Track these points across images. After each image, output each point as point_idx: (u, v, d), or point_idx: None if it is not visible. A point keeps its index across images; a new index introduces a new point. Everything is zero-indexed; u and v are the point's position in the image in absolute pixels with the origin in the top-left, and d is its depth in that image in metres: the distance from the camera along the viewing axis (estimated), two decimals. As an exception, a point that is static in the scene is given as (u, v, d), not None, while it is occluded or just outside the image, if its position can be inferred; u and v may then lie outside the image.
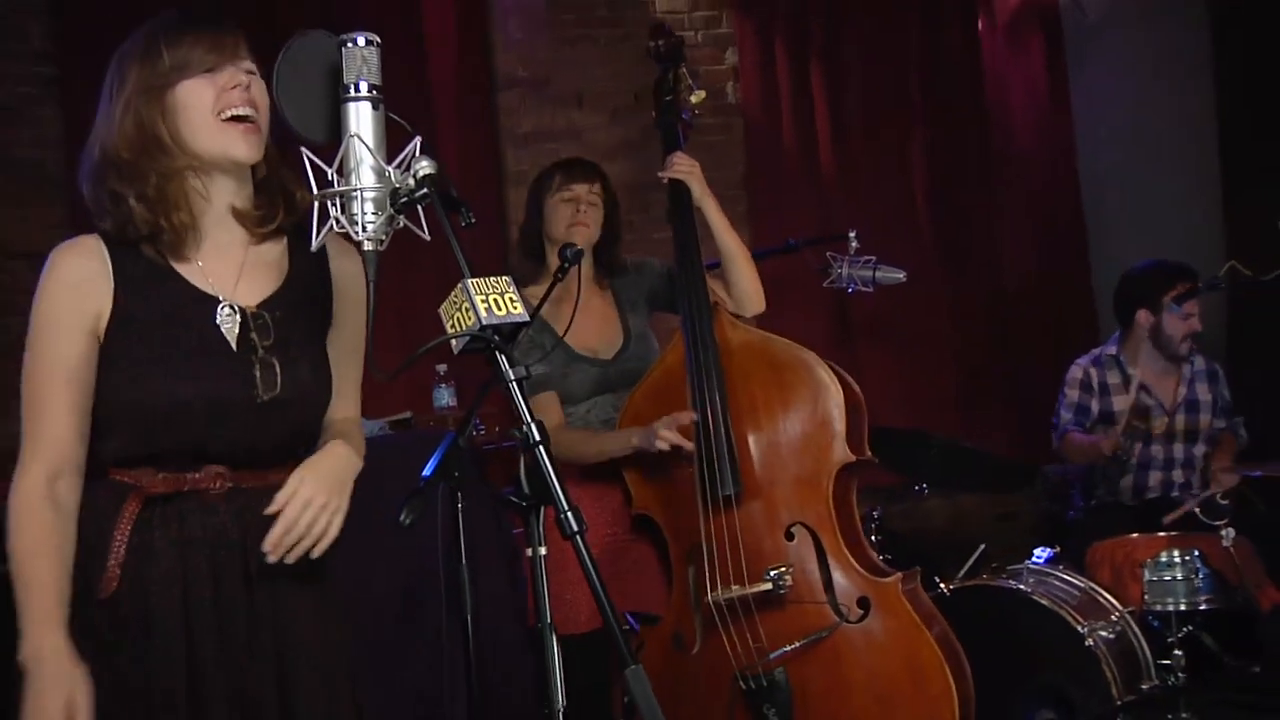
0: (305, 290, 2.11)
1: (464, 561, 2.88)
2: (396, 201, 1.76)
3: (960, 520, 5.53)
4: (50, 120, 4.77)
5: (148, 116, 1.95)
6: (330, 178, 1.80)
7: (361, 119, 1.80)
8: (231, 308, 2.00)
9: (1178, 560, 4.02)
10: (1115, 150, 5.92)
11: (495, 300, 1.68)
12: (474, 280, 1.68)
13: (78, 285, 1.93)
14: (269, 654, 1.96)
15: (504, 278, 1.73)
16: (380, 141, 1.81)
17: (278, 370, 1.99)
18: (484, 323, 1.65)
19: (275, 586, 1.97)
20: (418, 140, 1.83)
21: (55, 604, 1.86)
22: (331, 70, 1.89)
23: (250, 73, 2.00)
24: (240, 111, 1.96)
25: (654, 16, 5.53)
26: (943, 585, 3.71)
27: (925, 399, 5.53)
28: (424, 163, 1.77)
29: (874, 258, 4.30)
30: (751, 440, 3.12)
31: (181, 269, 2.00)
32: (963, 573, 3.99)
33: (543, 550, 1.72)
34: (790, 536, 3.05)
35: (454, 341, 1.70)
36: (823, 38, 5.63)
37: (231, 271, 2.03)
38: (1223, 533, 3.87)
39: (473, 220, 1.82)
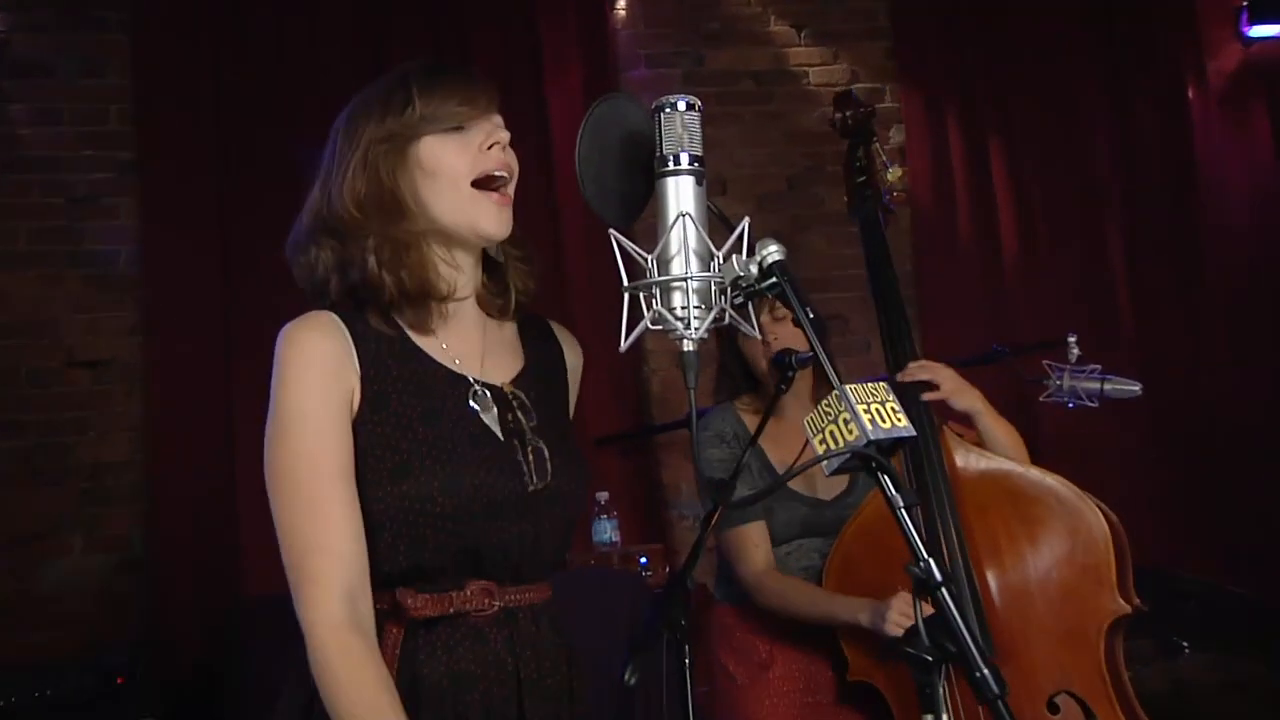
0: (548, 377, 2.08)
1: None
2: (741, 292, 1.68)
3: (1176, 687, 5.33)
4: (126, 210, 4.86)
5: (386, 169, 1.91)
6: (649, 265, 1.73)
7: (683, 196, 1.72)
8: (484, 389, 1.96)
9: None
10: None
11: (877, 410, 1.59)
12: (852, 386, 1.60)
13: (331, 368, 1.86)
14: None
15: (880, 384, 1.63)
16: (704, 222, 1.75)
17: (546, 455, 1.95)
18: (870, 437, 1.56)
19: None
20: (747, 221, 1.75)
21: None
22: (628, 139, 1.84)
23: (503, 129, 1.97)
24: (497, 172, 1.94)
25: (807, 89, 5.58)
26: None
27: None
28: (772, 247, 1.70)
29: (1098, 367, 4.18)
30: (996, 589, 2.95)
31: (424, 345, 1.95)
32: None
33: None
34: (1055, 709, 2.87)
35: (827, 461, 1.61)
36: (1002, 112, 5.66)
37: (474, 349, 2.00)
38: None
39: (812, 315, 1.74)
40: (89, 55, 4.89)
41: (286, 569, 1.80)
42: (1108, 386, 4.19)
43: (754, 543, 3.13)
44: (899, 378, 3.08)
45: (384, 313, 1.92)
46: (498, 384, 1.98)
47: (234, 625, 4.20)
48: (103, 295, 4.83)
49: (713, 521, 2.94)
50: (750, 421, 3.23)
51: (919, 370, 3.07)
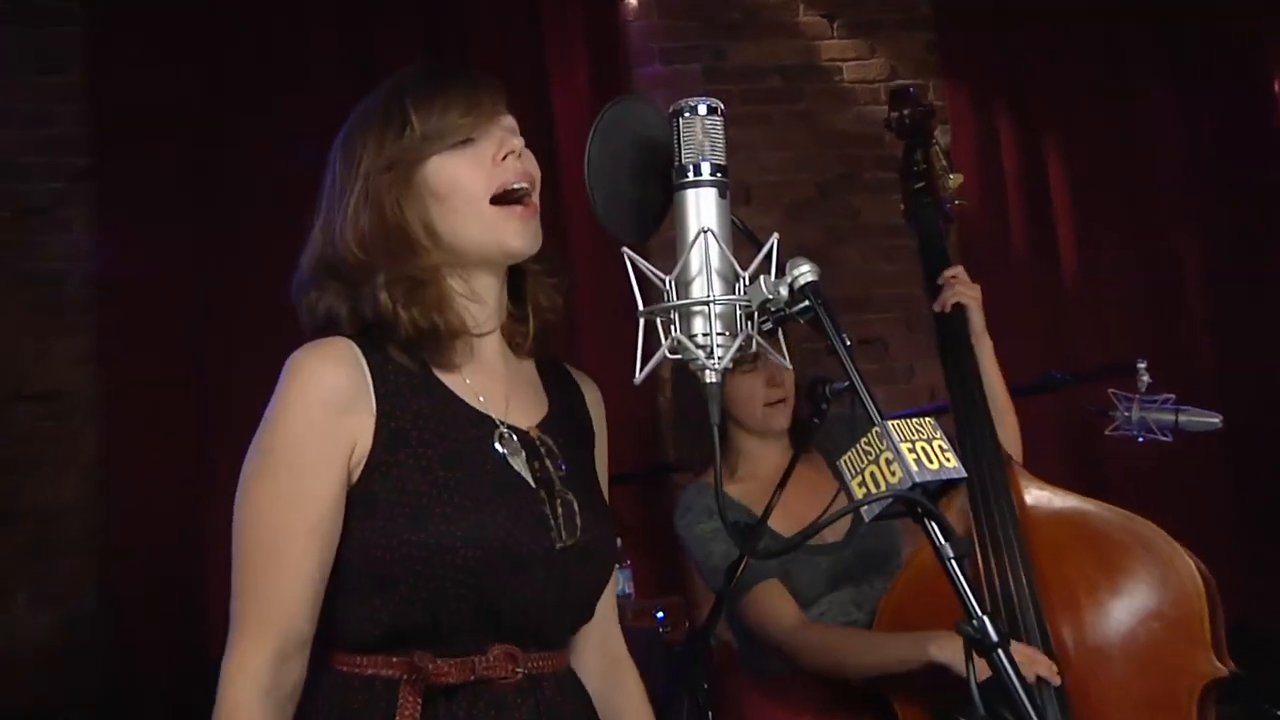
0: (572, 420, 2.11)
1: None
2: (769, 316, 1.68)
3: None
4: (80, 223, 4.86)
5: (391, 201, 1.91)
6: (666, 287, 1.72)
7: (705, 209, 1.72)
8: (510, 432, 1.97)
9: None
10: None
11: (923, 449, 1.58)
12: (895, 422, 1.59)
13: (338, 407, 1.85)
14: None
15: (927, 419, 1.63)
16: (728, 238, 1.75)
17: (576, 509, 1.96)
18: (916, 480, 1.55)
19: None
20: (776, 237, 1.76)
21: None
22: (642, 146, 1.85)
23: (515, 133, 1.99)
24: (517, 185, 1.95)
25: (840, 86, 5.59)
26: None
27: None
28: (803, 267, 1.69)
29: (1172, 396, 4.17)
30: (1073, 646, 2.91)
31: (447, 380, 1.96)
32: None
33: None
34: (1139, 786, 2.88)
35: (866, 506, 1.60)
36: (1058, 110, 5.68)
37: (499, 388, 2.00)
38: None
39: (848, 341, 1.74)
40: (39, 49, 4.90)
41: (231, 599, 1.83)
42: (1183, 418, 4.17)
43: (778, 595, 3.11)
44: (936, 307, 3.11)
45: (403, 345, 1.92)
46: (523, 427, 1.99)
47: (202, 692, 4.16)
48: (54, 319, 4.83)
49: (739, 571, 2.94)
50: (732, 489, 3.24)
51: (950, 291, 3.10)
